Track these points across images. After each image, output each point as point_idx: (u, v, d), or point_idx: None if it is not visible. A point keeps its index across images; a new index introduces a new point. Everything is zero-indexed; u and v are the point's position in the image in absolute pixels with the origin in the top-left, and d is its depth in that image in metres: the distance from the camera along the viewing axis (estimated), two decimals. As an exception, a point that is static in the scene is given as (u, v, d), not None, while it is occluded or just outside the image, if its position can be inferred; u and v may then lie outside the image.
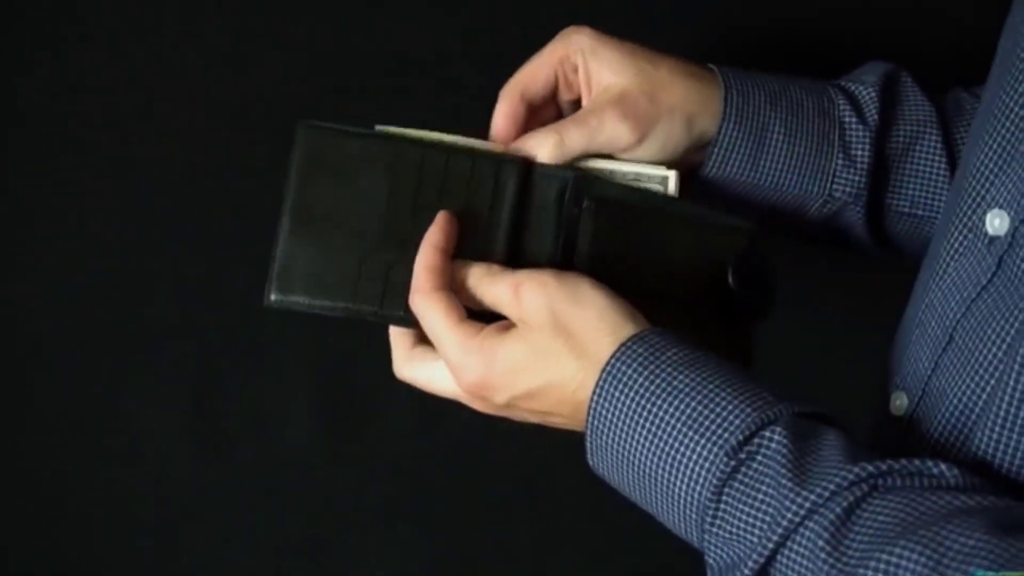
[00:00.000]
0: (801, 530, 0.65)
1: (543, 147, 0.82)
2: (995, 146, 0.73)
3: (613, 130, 0.82)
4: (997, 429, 0.68)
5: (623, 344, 0.72)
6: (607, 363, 0.72)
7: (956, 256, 0.74)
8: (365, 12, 1.05)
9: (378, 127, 0.81)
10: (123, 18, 1.04)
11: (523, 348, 0.74)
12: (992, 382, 0.69)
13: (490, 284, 0.77)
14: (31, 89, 1.04)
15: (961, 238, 0.74)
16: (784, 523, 0.65)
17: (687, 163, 0.86)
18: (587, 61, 0.83)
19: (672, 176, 0.83)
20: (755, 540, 0.66)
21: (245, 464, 1.12)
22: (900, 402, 0.76)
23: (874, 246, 0.91)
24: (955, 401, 0.71)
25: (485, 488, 1.16)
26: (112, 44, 1.04)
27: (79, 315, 1.08)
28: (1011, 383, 0.66)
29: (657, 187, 0.83)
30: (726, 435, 0.68)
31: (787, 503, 0.65)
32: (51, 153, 1.05)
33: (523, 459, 1.14)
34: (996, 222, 0.72)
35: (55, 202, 1.06)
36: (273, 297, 0.79)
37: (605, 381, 0.72)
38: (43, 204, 1.06)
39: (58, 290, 1.08)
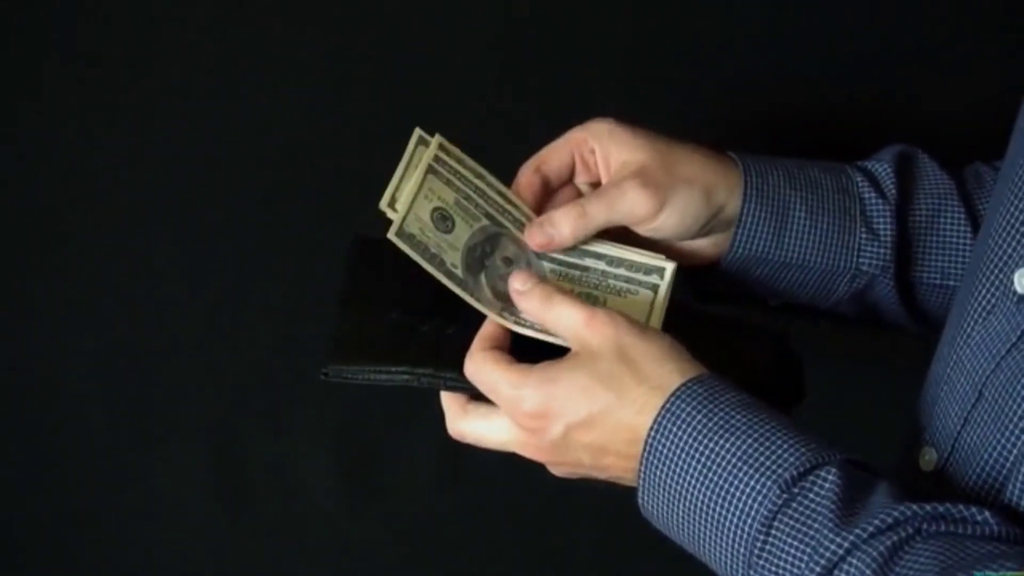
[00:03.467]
0: (844, 566, 0.66)
1: (566, 222, 0.84)
2: (1020, 204, 0.75)
3: (633, 199, 0.84)
4: (1028, 483, 0.69)
5: (684, 384, 0.74)
6: (668, 398, 0.74)
7: (984, 314, 0.76)
8: (382, 86, 1.08)
9: (419, 130, 0.84)
10: (147, 78, 1.06)
11: (586, 373, 0.76)
12: (1023, 437, 0.70)
13: (565, 303, 0.79)
14: (54, 149, 1.06)
15: (989, 295, 0.76)
16: (826, 556, 0.67)
17: (703, 252, 0.89)
18: (605, 143, 0.86)
19: (670, 268, 0.85)
20: (798, 573, 0.67)
21: (265, 521, 1.12)
22: (929, 457, 0.78)
23: (911, 322, 0.93)
24: (986, 456, 0.73)
25: (504, 545, 1.16)
26: (136, 103, 1.06)
27: (101, 374, 1.09)
28: (1042, 438, 0.68)
29: (654, 278, 0.84)
30: (780, 470, 0.70)
31: (831, 536, 0.67)
32: (73, 211, 1.07)
33: (541, 517, 1.15)
34: None
35: (79, 260, 1.08)
36: (330, 370, 0.81)
37: (663, 417, 0.74)
38: (67, 263, 1.07)
39: (80, 348, 1.08)
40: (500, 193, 0.86)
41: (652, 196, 0.84)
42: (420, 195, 0.81)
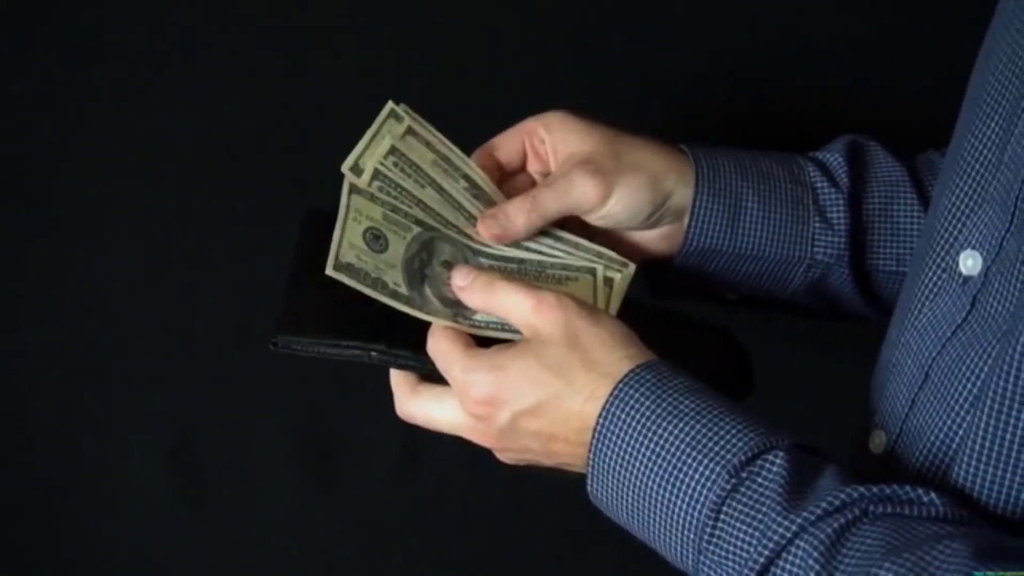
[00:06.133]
0: (792, 548, 0.66)
1: (519, 214, 0.85)
2: (965, 188, 0.76)
3: (581, 187, 0.85)
4: (973, 463, 0.69)
5: (632, 370, 0.74)
6: (616, 384, 0.74)
7: (931, 296, 0.76)
8: (337, 79, 1.08)
9: (392, 104, 0.85)
10: (123, 80, 1.06)
11: (536, 360, 0.76)
12: (968, 418, 0.71)
13: (508, 289, 0.78)
14: (27, 151, 1.06)
15: (935, 278, 0.76)
16: (774, 539, 0.67)
17: (657, 246, 0.89)
18: (555, 133, 0.87)
19: (631, 267, 0.85)
20: (747, 557, 0.68)
21: (224, 514, 1.12)
22: (879, 440, 0.78)
23: (868, 310, 0.93)
24: (932, 437, 0.73)
25: (464, 536, 1.16)
26: (91, 97, 1.06)
27: (60, 367, 1.08)
28: (985, 418, 0.69)
29: (616, 272, 0.85)
30: (728, 455, 0.70)
31: (779, 519, 0.67)
32: (27, 203, 1.06)
33: (502, 507, 1.15)
34: (969, 262, 0.74)
35: (32, 254, 1.07)
36: (279, 340, 0.80)
37: (611, 404, 0.73)
38: (21, 256, 1.07)
39: (34, 341, 1.08)
40: (458, 170, 0.86)
41: (600, 183, 0.85)
42: (349, 220, 0.80)
